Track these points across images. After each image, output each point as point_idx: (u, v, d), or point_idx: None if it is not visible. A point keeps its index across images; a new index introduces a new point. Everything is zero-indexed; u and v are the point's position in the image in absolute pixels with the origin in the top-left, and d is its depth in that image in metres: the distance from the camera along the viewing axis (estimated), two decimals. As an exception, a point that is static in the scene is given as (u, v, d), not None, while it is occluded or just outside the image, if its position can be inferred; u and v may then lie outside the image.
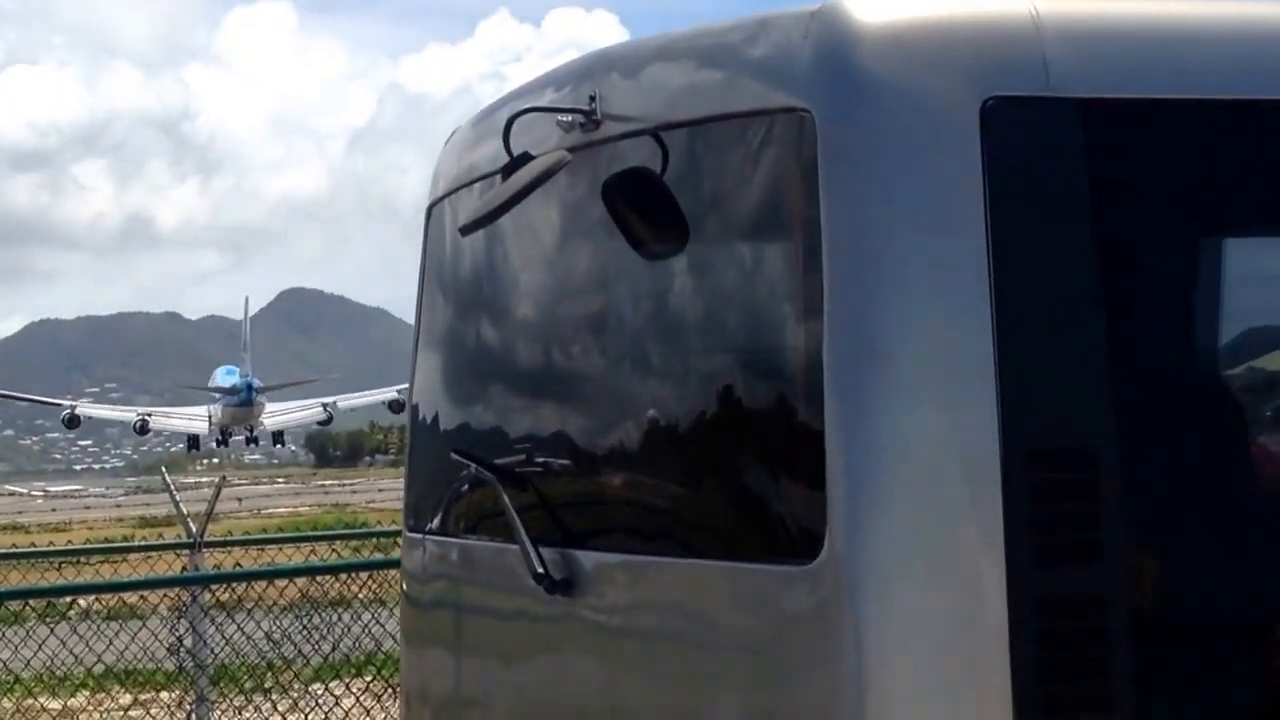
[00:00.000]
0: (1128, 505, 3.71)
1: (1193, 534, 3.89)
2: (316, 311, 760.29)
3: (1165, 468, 3.85)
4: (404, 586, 5.74)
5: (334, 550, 18.85)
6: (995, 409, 3.64)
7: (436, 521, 5.33)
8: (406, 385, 5.65)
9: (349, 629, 15.33)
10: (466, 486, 5.11)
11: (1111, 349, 3.76)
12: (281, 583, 15.60)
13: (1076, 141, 3.81)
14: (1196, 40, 4.02)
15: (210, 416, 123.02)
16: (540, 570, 4.39)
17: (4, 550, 20.17)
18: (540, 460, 4.73)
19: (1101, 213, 3.80)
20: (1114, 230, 3.84)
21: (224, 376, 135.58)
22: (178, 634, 15.18)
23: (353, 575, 15.22)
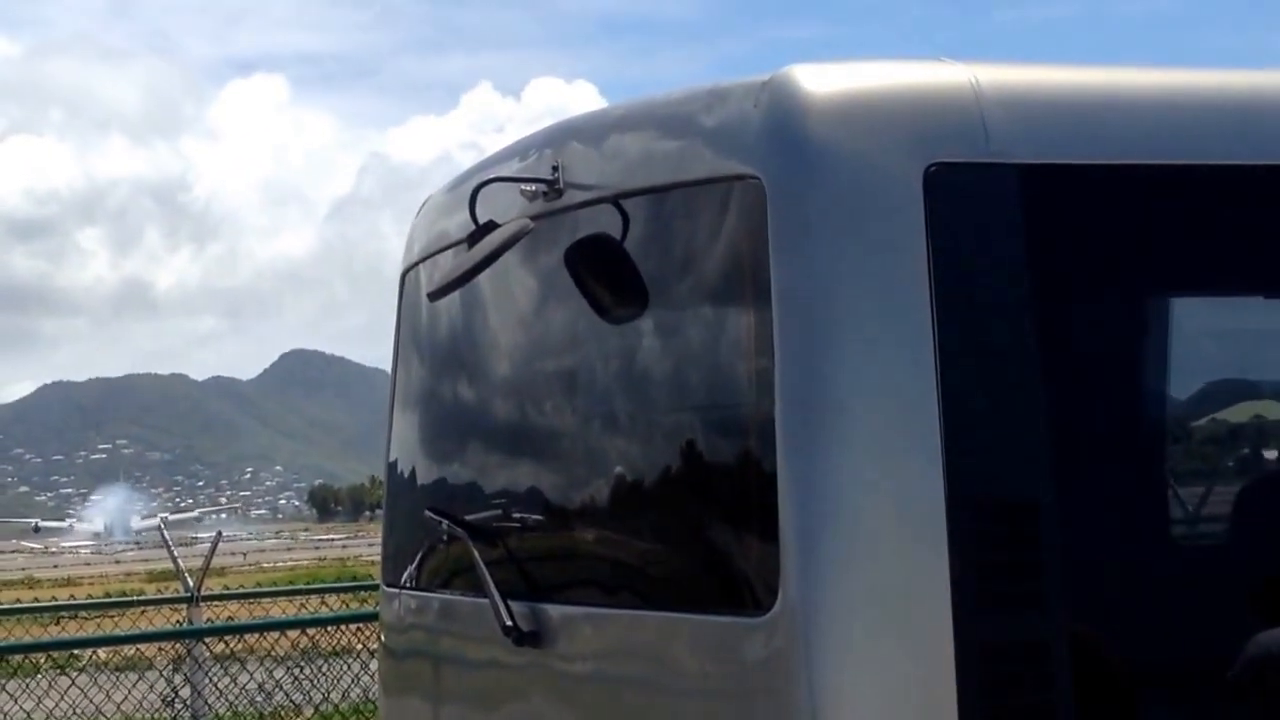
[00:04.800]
0: (1069, 554, 3.70)
1: (1132, 581, 3.88)
2: (319, 371, 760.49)
3: (1105, 518, 3.85)
4: (382, 638, 5.73)
5: (324, 603, 18.78)
6: (940, 464, 3.62)
7: (412, 576, 5.31)
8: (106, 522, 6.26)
9: (338, 680, 15.27)
10: (440, 542, 5.09)
11: (1052, 405, 3.75)
12: (278, 634, 15.55)
13: (1017, 205, 3.81)
14: (1132, 108, 4.02)
15: (105, 524, 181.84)
16: (509, 623, 4.36)
17: (7, 605, 20.08)
18: (509, 516, 4.72)
19: (1041, 273, 3.79)
20: (1053, 290, 3.84)
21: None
22: (173, 685, 15.12)
23: (344, 626, 15.18)
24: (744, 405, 3.89)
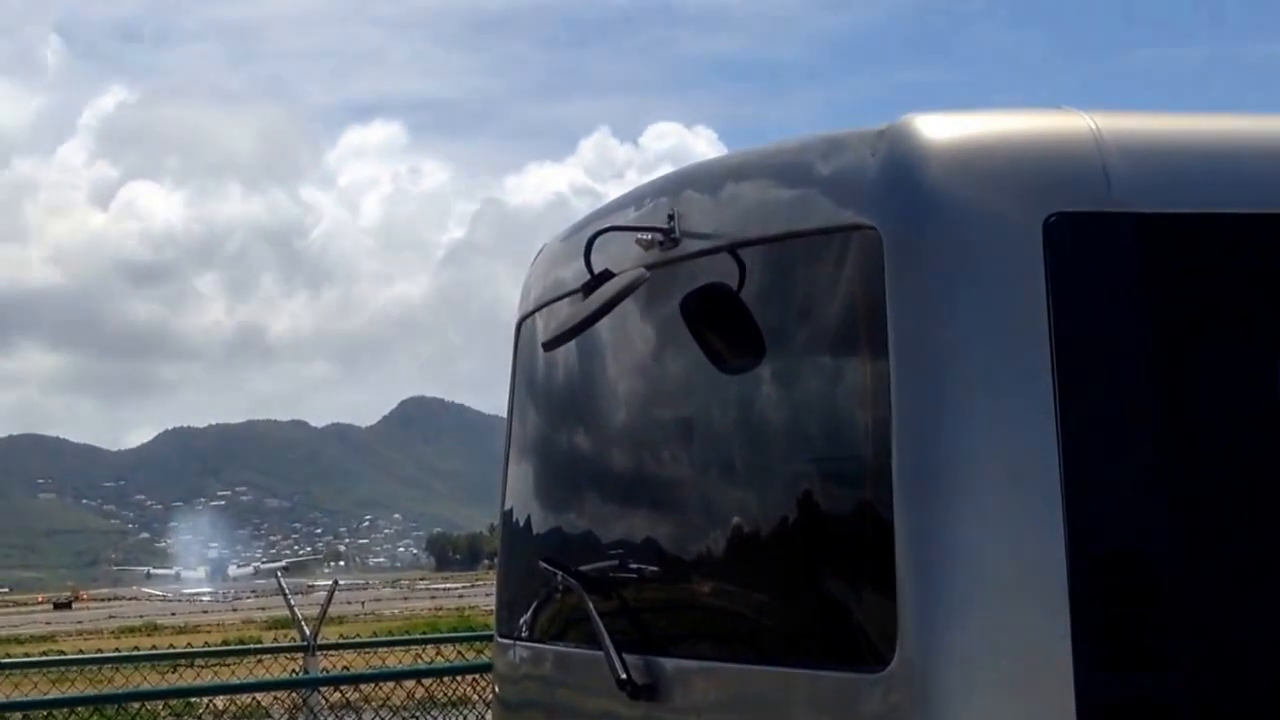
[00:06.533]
0: (1192, 612, 3.66)
1: (1259, 641, 3.81)
2: (438, 419, 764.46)
3: (1229, 574, 3.78)
4: (496, 689, 5.75)
5: (440, 653, 18.86)
6: (1061, 517, 3.60)
7: (526, 627, 5.33)
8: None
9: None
10: (554, 593, 5.11)
11: (1175, 459, 3.72)
12: (394, 684, 15.65)
13: (1139, 256, 3.78)
14: (1256, 155, 3.99)
15: (205, 572, 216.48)
16: (623, 676, 4.37)
17: (126, 653, 20.38)
18: (624, 567, 4.72)
19: (1163, 325, 3.76)
20: (1177, 342, 3.80)
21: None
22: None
23: (460, 676, 15.22)
24: (861, 457, 3.88)
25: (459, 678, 15.50)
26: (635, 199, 4.84)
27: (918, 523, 3.65)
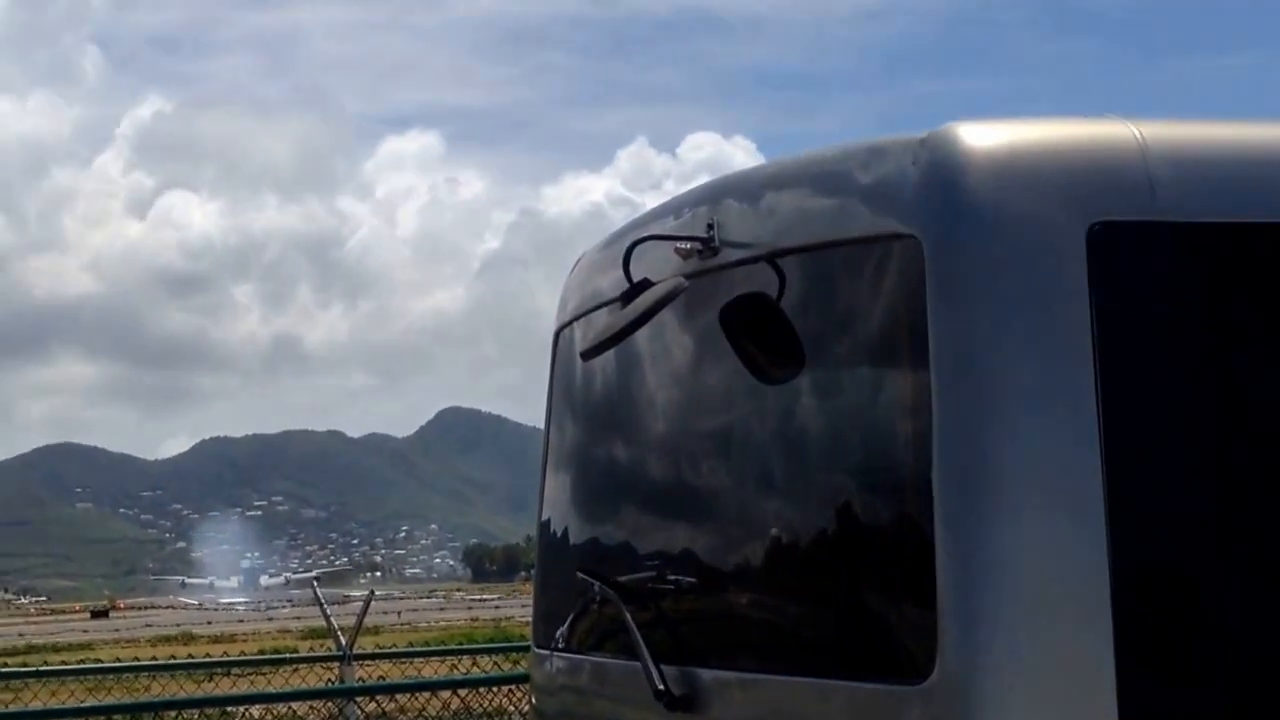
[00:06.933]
0: (1235, 624, 3.63)
1: None
2: (475, 430, 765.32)
3: (1273, 586, 3.75)
4: (533, 700, 5.74)
5: (476, 664, 18.88)
6: (1104, 528, 3.58)
7: (563, 637, 5.32)
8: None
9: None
10: (591, 604, 5.10)
11: (1218, 470, 3.69)
12: (430, 694, 15.68)
13: (1183, 265, 3.76)
14: None
15: (238, 581, 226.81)
16: (661, 687, 4.36)
17: (163, 662, 20.46)
18: (662, 578, 4.71)
19: (1208, 335, 3.74)
20: (1221, 353, 3.77)
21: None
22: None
23: (496, 687, 15.24)
24: (901, 468, 3.86)
25: (495, 688, 15.53)
26: (674, 208, 4.83)
27: (958, 534, 3.63)
